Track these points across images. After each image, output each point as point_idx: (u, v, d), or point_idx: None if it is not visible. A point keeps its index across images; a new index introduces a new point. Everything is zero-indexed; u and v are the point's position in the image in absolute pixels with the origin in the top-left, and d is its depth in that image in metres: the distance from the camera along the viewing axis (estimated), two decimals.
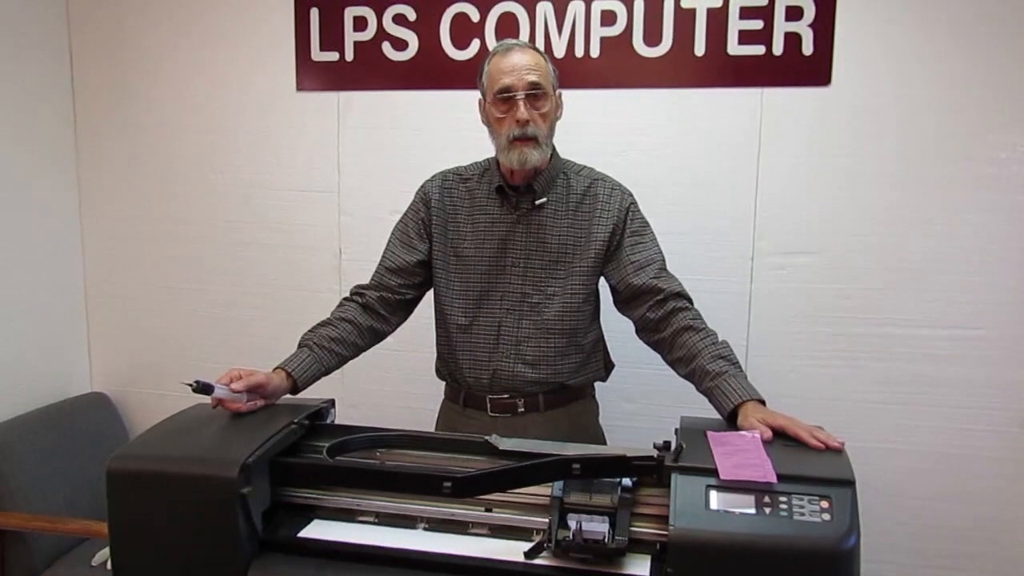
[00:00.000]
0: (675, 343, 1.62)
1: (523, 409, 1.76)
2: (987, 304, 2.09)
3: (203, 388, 1.40)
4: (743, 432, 1.38)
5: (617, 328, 1.87)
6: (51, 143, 2.61)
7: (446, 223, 1.78)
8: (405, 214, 1.83)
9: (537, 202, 1.72)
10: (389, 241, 1.83)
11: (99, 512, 2.30)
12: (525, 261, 1.73)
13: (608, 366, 1.90)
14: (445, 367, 1.85)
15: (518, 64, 1.63)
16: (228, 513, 1.24)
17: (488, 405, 1.77)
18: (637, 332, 1.74)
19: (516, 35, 2.26)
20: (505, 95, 1.63)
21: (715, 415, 1.52)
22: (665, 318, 1.65)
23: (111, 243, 2.71)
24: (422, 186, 1.84)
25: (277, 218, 2.54)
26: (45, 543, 2.27)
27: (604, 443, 1.86)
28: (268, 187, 2.54)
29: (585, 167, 1.79)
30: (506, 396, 1.76)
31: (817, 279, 2.18)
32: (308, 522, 1.38)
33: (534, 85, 1.63)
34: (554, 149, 1.75)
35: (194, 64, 2.55)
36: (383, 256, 1.82)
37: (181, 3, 2.53)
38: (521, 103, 1.62)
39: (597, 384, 1.90)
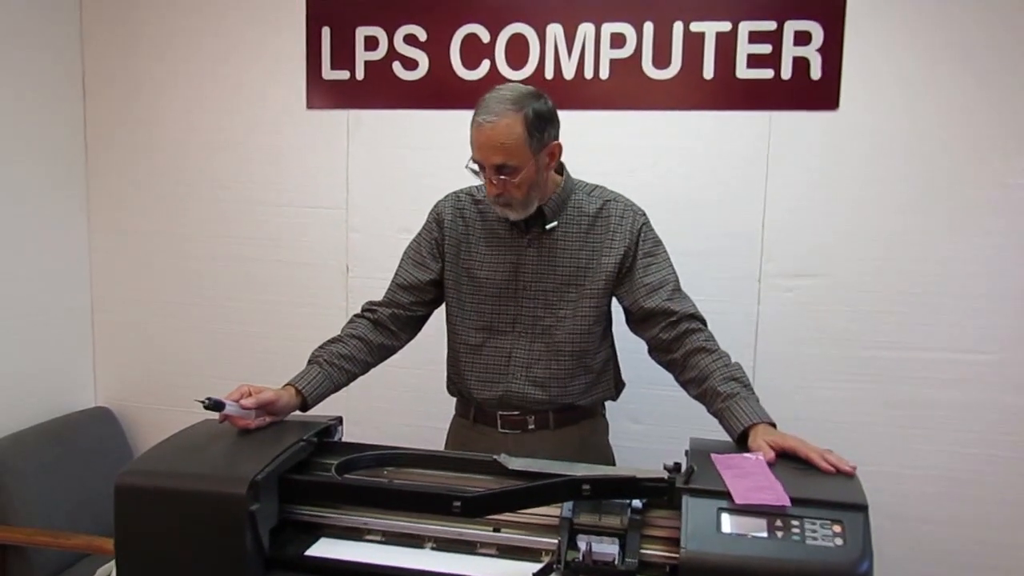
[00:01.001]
0: (687, 364, 1.62)
1: (533, 426, 1.76)
2: (994, 329, 2.09)
3: (214, 405, 1.40)
4: (747, 454, 1.37)
5: (624, 347, 1.88)
6: (61, 156, 2.62)
7: (459, 244, 1.78)
8: (419, 233, 1.84)
9: (548, 227, 1.71)
10: (402, 259, 1.84)
11: (102, 527, 2.28)
12: (537, 284, 1.73)
13: (619, 385, 1.90)
14: (454, 384, 1.85)
15: (484, 143, 1.58)
16: (236, 530, 1.23)
17: (498, 421, 1.77)
18: (649, 352, 1.73)
19: (526, 57, 2.28)
20: (478, 169, 1.63)
21: (724, 436, 1.52)
22: (677, 339, 1.65)
23: (119, 257, 2.72)
24: (435, 206, 1.84)
25: (285, 235, 2.55)
26: (46, 558, 2.26)
27: (613, 461, 1.86)
28: (276, 204, 2.55)
29: (597, 187, 1.79)
30: (516, 413, 1.76)
31: (824, 302, 2.19)
32: (315, 540, 1.37)
33: (500, 168, 1.58)
34: (565, 170, 1.75)
35: (205, 81, 2.57)
36: (396, 273, 1.82)
37: (193, 20, 2.55)
38: (490, 179, 1.60)
39: (606, 403, 1.89)
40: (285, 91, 2.50)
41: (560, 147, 1.68)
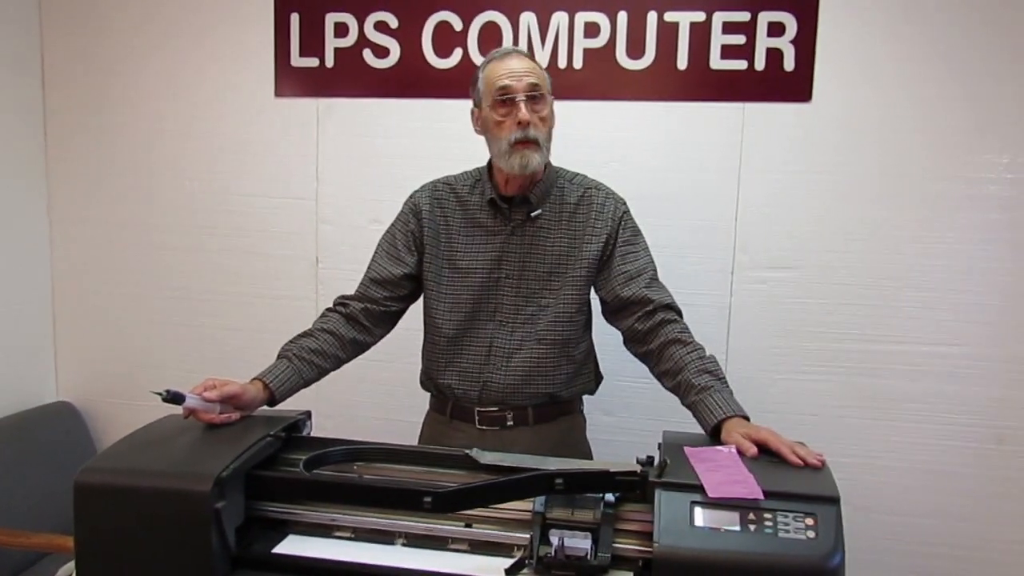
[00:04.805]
0: (662, 356, 1.61)
1: (512, 423, 1.74)
2: (964, 322, 2.12)
3: (173, 397, 1.36)
4: (720, 447, 1.37)
5: (596, 341, 1.87)
6: (19, 144, 2.54)
7: (439, 234, 1.76)
8: (393, 225, 1.81)
9: (532, 215, 1.70)
10: (375, 252, 1.80)
11: (63, 526, 2.22)
12: (519, 273, 1.71)
13: (598, 378, 1.88)
14: (432, 379, 1.81)
15: (516, 68, 1.63)
16: (201, 529, 1.20)
17: (476, 418, 1.75)
18: (625, 342, 1.72)
19: (499, 45, 2.23)
20: (505, 96, 1.62)
21: (697, 429, 1.51)
22: (653, 330, 1.64)
23: (81, 247, 2.65)
24: (411, 197, 1.81)
25: (254, 225, 2.50)
26: (6, 557, 2.20)
27: (591, 458, 1.84)
28: (245, 194, 2.50)
29: (578, 175, 1.78)
30: (495, 409, 1.74)
31: (797, 294, 2.19)
32: (283, 538, 1.34)
33: (534, 87, 1.62)
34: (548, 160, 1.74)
35: (171, 68, 2.51)
36: (369, 267, 1.79)
37: (159, 6, 2.49)
38: (522, 104, 1.61)
39: (584, 397, 1.88)
40: (253, 79, 2.45)
41: (554, 109, 1.72)
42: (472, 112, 1.72)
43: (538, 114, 1.63)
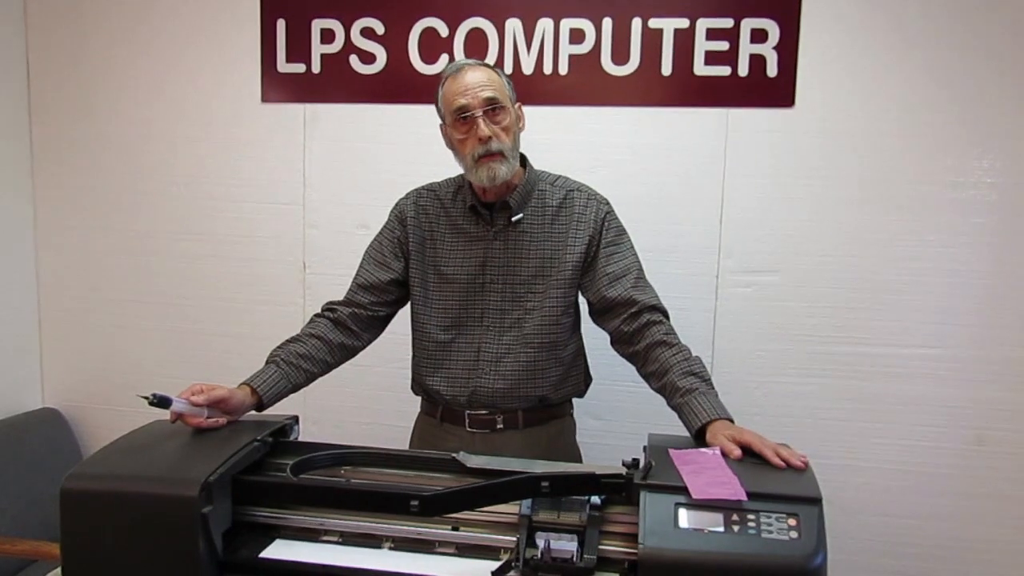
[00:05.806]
0: (648, 357, 1.62)
1: (502, 426, 1.75)
2: (946, 324, 2.14)
3: (160, 401, 1.36)
4: (704, 449, 1.38)
5: (586, 344, 1.88)
6: (4, 150, 2.53)
7: (423, 241, 1.77)
8: (380, 232, 1.82)
9: (513, 219, 1.71)
10: (363, 258, 1.81)
11: (49, 533, 2.22)
12: (504, 278, 1.72)
13: (587, 380, 1.89)
14: (422, 383, 1.82)
15: (471, 83, 1.62)
16: (188, 534, 1.20)
17: (466, 420, 1.76)
18: (612, 343, 1.74)
19: (485, 51, 2.27)
20: (463, 115, 1.63)
21: (683, 432, 1.52)
22: (639, 331, 1.65)
23: (67, 253, 2.64)
24: (396, 204, 1.83)
25: (241, 231, 2.50)
26: None
27: (580, 461, 1.85)
28: (232, 199, 2.50)
29: (560, 177, 1.79)
30: (485, 412, 1.75)
31: (781, 297, 2.22)
32: (270, 542, 1.35)
33: (490, 101, 1.62)
34: (528, 162, 1.75)
35: (157, 74, 2.51)
36: (356, 273, 1.80)
37: (145, 12, 2.49)
38: (480, 120, 1.61)
39: (573, 400, 1.89)
40: (239, 85, 2.45)
41: (523, 113, 1.73)
42: (440, 127, 1.73)
43: (499, 125, 1.63)
